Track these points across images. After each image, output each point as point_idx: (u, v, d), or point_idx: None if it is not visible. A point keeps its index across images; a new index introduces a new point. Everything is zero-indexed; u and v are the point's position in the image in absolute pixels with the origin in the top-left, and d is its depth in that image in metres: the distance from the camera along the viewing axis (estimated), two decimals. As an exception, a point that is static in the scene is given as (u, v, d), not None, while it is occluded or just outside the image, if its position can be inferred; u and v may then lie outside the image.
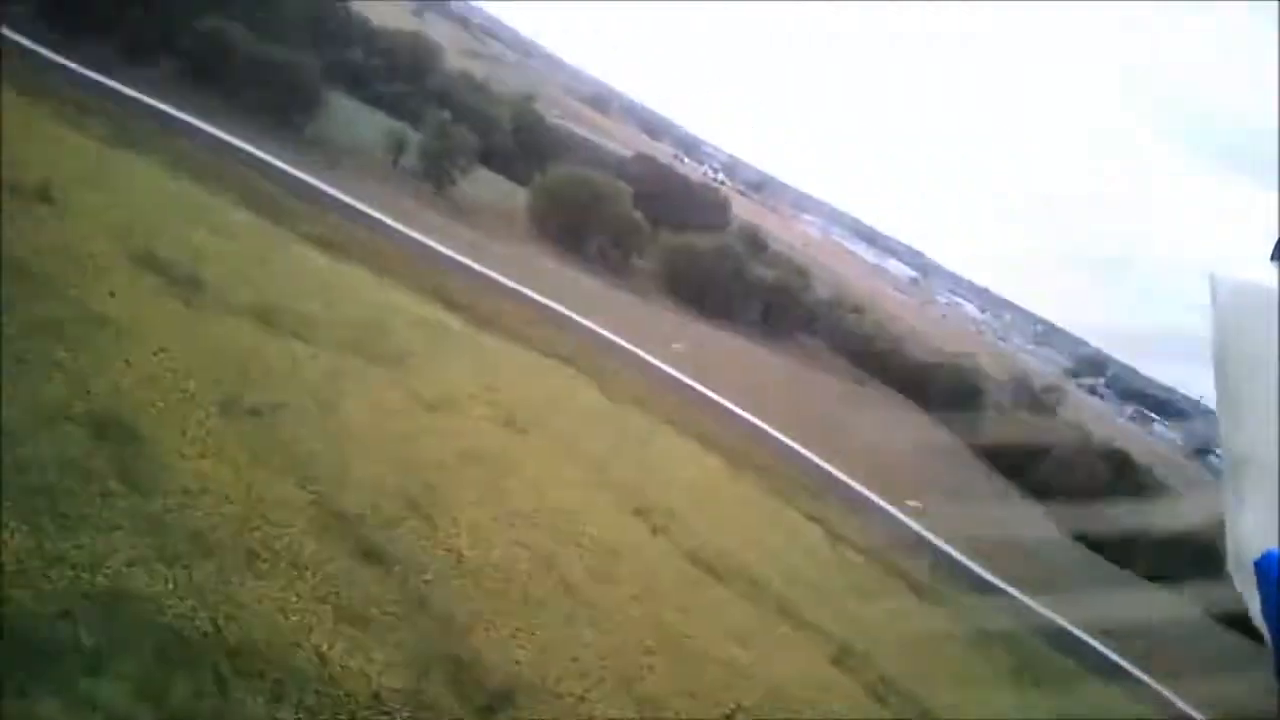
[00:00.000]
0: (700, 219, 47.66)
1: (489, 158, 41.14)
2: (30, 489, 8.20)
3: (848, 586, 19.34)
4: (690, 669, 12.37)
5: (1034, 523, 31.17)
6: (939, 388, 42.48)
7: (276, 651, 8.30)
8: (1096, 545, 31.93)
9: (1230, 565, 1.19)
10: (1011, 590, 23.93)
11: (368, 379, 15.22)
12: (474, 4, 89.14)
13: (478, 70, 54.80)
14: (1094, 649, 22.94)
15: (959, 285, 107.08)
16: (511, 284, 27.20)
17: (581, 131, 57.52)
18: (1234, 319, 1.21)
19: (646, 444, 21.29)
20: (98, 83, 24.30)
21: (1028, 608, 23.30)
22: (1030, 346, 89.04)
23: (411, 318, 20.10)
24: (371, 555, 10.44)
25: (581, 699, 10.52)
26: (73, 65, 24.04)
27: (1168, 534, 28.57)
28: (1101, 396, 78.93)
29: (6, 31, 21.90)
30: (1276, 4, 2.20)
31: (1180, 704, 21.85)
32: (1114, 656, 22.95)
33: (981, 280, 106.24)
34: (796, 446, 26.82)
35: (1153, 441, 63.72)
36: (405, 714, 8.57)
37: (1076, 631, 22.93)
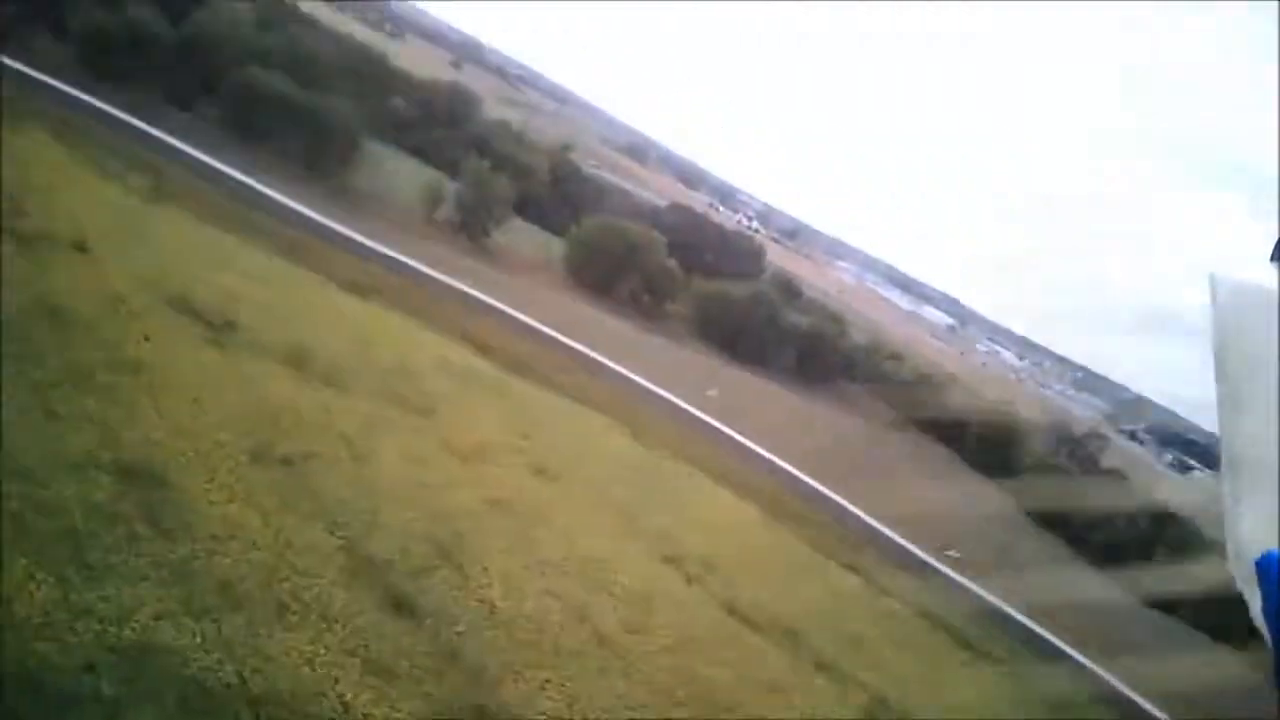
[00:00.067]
0: (735, 267, 47.98)
1: (524, 207, 41.65)
2: (57, 535, 8.14)
3: (885, 637, 18.81)
4: (724, 722, 11.99)
5: (1080, 580, 30.32)
6: (981, 435, 41.83)
7: (300, 702, 8.13)
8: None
9: (1230, 565, 1.20)
10: (1063, 646, 23.20)
11: (399, 427, 15.15)
12: (511, 55, 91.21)
13: (515, 119, 55.79)
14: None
15: (996, 332, 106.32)
16: (544, 329, 27.24)
17: (617, 180, 58.17)
18: (1234, 319, 1.23)
19: (680, 491, 20.96)
20: (137, 129, 24.91)
21: (1080, 666, 22.56)
22: (1070, 392, 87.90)
23: (443, 363, 20.10)
24: (403, 607, 10.24)
25: (611, 751, 10.21)
26: (113, 111, 24.65)
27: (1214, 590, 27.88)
28: (1141, 442, 77.54)
29: (46, 77, 22.49)
30: (1276, 4, 2.26)
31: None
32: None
33: (1019, 329, 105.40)
34: (833, 495, 26.36)
35: (1189, 487, 62.43)
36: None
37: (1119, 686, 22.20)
